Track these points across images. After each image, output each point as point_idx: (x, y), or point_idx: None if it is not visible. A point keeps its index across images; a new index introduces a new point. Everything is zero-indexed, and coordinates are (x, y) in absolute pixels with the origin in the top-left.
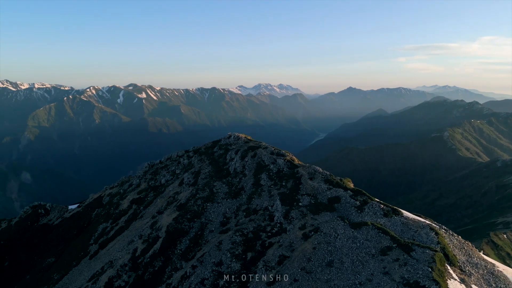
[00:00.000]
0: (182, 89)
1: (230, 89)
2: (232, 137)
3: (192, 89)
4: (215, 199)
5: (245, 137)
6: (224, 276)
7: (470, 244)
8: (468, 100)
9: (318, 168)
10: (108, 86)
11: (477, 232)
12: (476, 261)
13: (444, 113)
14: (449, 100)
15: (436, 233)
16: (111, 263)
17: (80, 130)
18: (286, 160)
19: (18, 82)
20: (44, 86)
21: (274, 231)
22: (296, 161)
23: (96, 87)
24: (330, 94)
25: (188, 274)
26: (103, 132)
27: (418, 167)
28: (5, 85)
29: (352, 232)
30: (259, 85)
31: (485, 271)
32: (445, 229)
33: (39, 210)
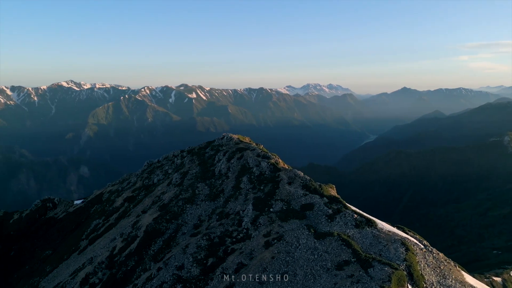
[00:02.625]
0: (230, 89)
1: (278, 89)
2: (225, 138)
3: (240, 89)
4: (195, 201)
5: (238, 138)
6: (183, 280)
7: (451, 263)
8: None
9: (299, 172)
10: (161, 86)
11: None
12: (450, 283)
13: (508, 116)
14: None
15: (407, 249)
16: (91, 260)
17: (134, 128)
18: (269, 163)
19: (81, 82)
20: (104, 86)
21: (239, 237)
22: (281, 164)
23: (150, 87)
24: (382, 94)
25: (152, 276)
26: (155, 130)
27: (473, 174)
28: (70, 85)
29: (314, 242)
30: (308, 85)
31: None
32: (424, 245)
33: (48, 204)
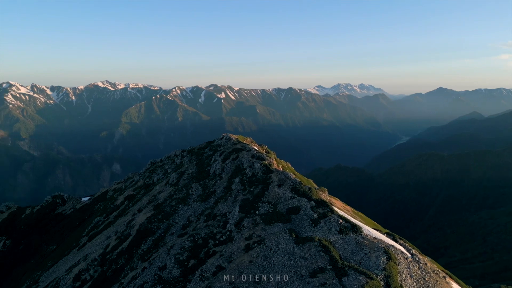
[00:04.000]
0: (259, 90)
1: (307, 89)
2: (224, 138)
3: (269, 89)
4: (187, 201)
5: (237, 138)
6: (163, 281)
7: (440, 275)
8: None
9: (290, 174)
10: (191, 87)
11: None
12: None
13: None
14: None
15: (389, 258)
16: (86, 257)
17: (165, 127)
18: (262, 165)
19: (116, 83)
20: (137, 86)
21: (222, 239)
22: (274, 166)
23: (181, 87)
24: (416, 94)
25: (137, 275)
26: (185, 129)
27: (511, 179)
28: (105, 85)
29: (293, 247)
30: (338, 85)
31: None
32: (412, 254)
33: (57, 200)
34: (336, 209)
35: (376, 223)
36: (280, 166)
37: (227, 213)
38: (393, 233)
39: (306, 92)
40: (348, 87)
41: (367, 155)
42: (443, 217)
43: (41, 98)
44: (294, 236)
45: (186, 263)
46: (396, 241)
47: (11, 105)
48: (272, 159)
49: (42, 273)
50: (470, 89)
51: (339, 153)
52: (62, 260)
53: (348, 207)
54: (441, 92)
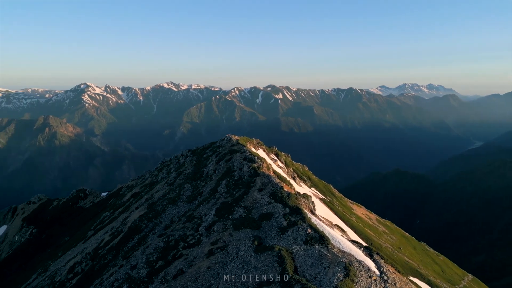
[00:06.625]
0: (317, 90)
1: (370, 89)
2: (226, 139)
3: (328, 89)
4: (177, 202)
5: (237, 139)
6: (130, 281)
7: None
8: None
9: (273, 178)
10: (249, 87)
11: None
12: None
13: None
14: None
15: (346, 275)
16: (83, 250)
17: (223, 126)
18: (250, 168)
19: (180, 84)
20: (199, 87)
21: (191, 242)
22: (263, 169)
23: (239, 88)
24: (493, 96)
25: (114, 272)
26: (242, 129)
27: None
28: (169, 86)
29: (250, 256)
30: (404, 85)
31: None
32: (381, 272)
33: (80, 194)
34: (313, 217)
35: (407, 233)
36: (291, 169)
37: (203, 216)
38: (371, 248)
39: (368, 92)
40: (415, 88)
41: (433, 160)
42: None
43: (113, 98)
44: (256, 244)
45: (154, 264)
46: (371, 256)
47: (87, 104)
48: (264, 162)
49: (52, 262)
50: None
51: (401, 157)
52: (69, 252)
53: (372, 215)
54: None
